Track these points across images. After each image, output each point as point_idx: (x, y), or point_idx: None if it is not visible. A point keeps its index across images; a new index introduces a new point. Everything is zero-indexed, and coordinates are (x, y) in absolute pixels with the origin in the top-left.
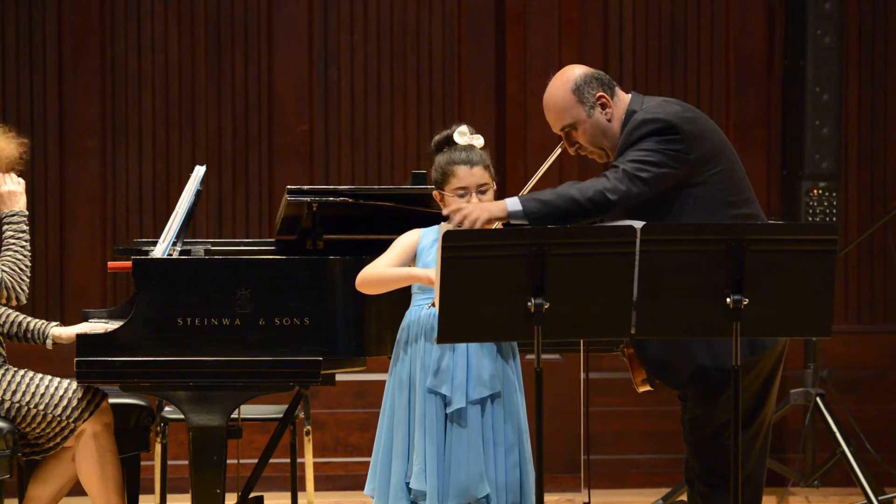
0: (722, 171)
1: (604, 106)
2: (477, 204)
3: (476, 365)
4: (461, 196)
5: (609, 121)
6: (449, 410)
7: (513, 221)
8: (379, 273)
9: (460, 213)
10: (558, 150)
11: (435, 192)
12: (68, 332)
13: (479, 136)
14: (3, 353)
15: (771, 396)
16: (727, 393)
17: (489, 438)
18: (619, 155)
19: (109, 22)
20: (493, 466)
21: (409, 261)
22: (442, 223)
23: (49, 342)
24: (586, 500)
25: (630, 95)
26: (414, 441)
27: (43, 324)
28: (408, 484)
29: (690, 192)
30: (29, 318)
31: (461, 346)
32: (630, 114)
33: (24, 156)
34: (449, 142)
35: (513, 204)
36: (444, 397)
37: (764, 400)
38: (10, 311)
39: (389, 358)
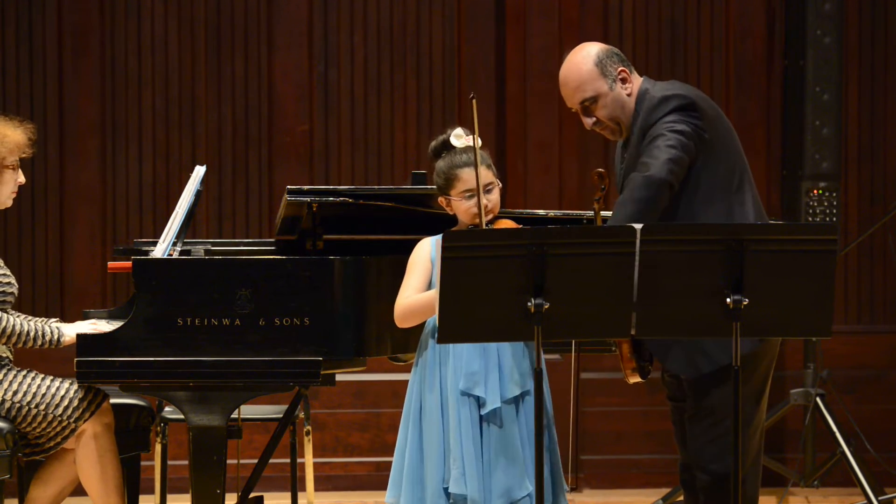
0: (731, 154)
1: (624, 80)
2: None
3: (507, 364)
4: (469, 198)
5: (629, 95)
6: (484, 412)
7: None
8: (410, 304)
9: None
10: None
11: (441, 199)
12: (69, 333)
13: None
14: (10, 355)
15: (767, 392)
16: (725, 385)
17: (524, 436)
18: (642, 135)
19: (109, 22)
20: (529, 463)
21: (430, 274)
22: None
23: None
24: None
25: (643, 77)
26: (449, 445)
27: (43, 325)
28: (446, 489)
29: (700, 172)
30: (28, 325)
31: (492, 346)
32: (643, 92)
33: (33, 138)
34: (446, 146)
35: None
36: (477, 399)
37: (762, 394)
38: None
39: (389, 358)
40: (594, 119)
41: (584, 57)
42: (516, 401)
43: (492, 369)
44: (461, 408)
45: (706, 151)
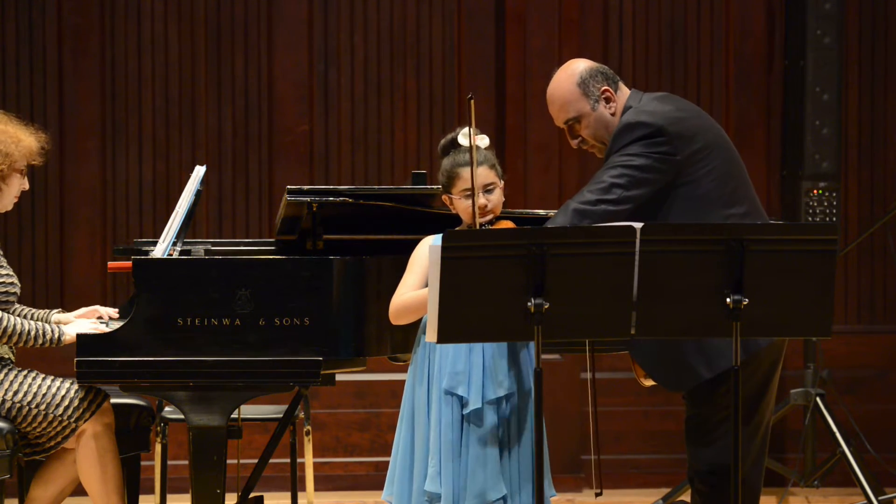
0: (714, 169)
1: (608, 100)
2: None
3: (492, 365)
4: (468, 197)
5: (612, 114)
6: (466, 411)
7: None
8: (406, 301)
9: None
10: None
11: (444, 197)
12: (70, 332)
13: (484, 136)
14: (12, 356)
15: (769, 396)
16: (719, 391)
17: (505, 437)
18: (606, 159)
19: (109, 22)
20: (509, 465)
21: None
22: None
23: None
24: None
25: (630, 91)
26: (430, 443)
27: (44, 325)
28: None
29: (679, 191)
30: (28, 325)
31: (477, 346)
32: (626, 109)
33: (46, 147)
34: (454, 145)
35: None
36: (460, 398)
37: (761, 398)
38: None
39: (389, 358)
40: (580, 138)
41: (568, 77)
42: (499, 402)
43: (476, 370)
44: (444, 406)
45: (679, 173)
